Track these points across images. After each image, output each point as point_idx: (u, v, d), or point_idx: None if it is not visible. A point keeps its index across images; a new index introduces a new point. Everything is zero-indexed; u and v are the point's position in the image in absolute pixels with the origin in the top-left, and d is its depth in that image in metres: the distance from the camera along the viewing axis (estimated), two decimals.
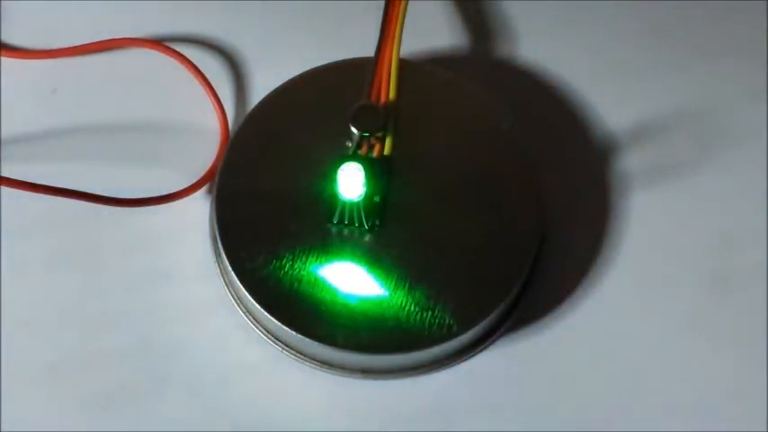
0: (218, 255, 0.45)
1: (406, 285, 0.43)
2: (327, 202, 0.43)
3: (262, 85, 0.49)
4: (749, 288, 0.46)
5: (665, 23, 0.51)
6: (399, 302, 0.43)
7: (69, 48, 0.49)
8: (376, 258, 0.43)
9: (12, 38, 0.50)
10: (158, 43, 0.49)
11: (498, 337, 0.44)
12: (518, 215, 0.44)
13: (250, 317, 0.44)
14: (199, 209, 0.46)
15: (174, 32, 0.50)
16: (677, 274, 0.46)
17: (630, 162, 0.48)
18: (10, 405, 0.43)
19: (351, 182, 0.41)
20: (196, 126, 0.48)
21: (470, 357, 0.44)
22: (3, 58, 0.49)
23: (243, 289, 0.43)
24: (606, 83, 0.49)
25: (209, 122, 0.48)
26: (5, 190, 0.45)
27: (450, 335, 0.42)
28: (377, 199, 0.43)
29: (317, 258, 0.43)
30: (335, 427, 0.43)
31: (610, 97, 0.49)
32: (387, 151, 0.43)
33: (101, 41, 0.49)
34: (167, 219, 0.46)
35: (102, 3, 0.51)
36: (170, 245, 0.46)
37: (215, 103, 0.48)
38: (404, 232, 0.44)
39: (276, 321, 0.42)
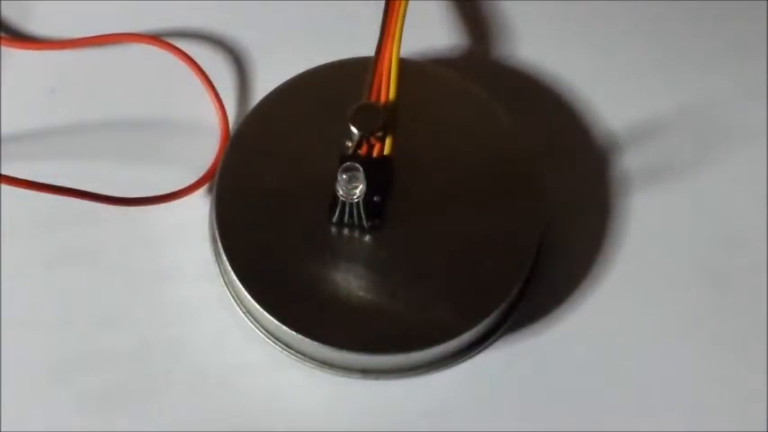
0: (217, 255, 0.45)
1: (406, 285, 0.43)
2: (327, 202, 0.43)
3: (263, 84, 0.49)
4: (749, 288, 0.46)
5: (665, 23, 0.51)
6: (399, 302, 0.43)
7: (68, 40, 0.50)
8: (376, 258, 0.43)
9: (11, 30, 0.50)
10: (158, 39, 0.49)
11: (498, 337, 0.44)
12: (518, 215, 0.44)
13: (250, 317, 0.44)
14: (199, 208, 0.46)
15: (175, 28, 0.50)
16: (677, 273, 0.46)
17: (630, 162, 0.48)
18: (10, 405, 0.43)
19: (351, 182, 0.41)
20: (196, 124, 0.48)
21: (471, 357, 0.44)
22: (2, 53, 0.49)
23: (243, 289, 0.43)
24: (606, 83, 0.49)
25: (209, 121, 0.48)
26: (5, 189, 0.45)
27: (450, 335, 0.42)
28: (377, 199, 0.43)
29: (316, 258, 0.43)
30: (335, 427, 0.43)
31: (610, 97, 0.49)
32: (387, 151, 0.43)
33: (99, 36, 0.49)
34: (167, 218, 0.46)
35: None
36: (170, 245, 0.46)
37: (215, 102, 0.48)
38: (404, 232, 0.44)
39: (276, 321, 0.42)
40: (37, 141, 0.48)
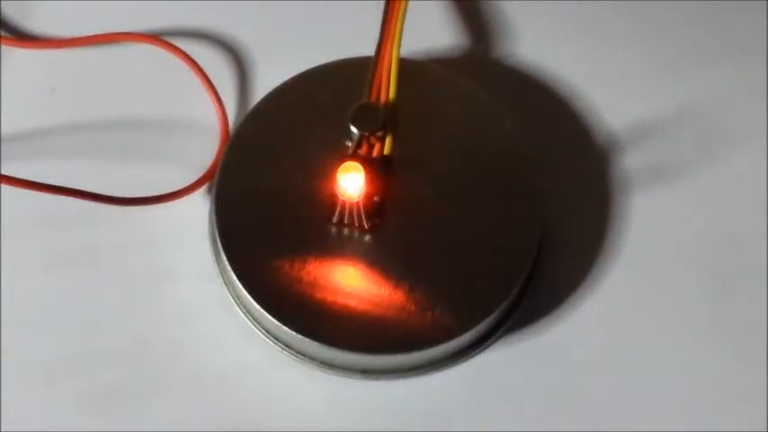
0: (217, 255, 0.45)
1: (406, 285, 0.43)
2: (327, 202, 0.43)
3: (263, 84, 0.49)
4: (749, 288, 0.46)
5: (665, 23, 0.51)
6: (399, 302, 0.43)
7: (68, 39, 0.50)
8: (376, 258, 0.43)
9: (11, 29, 0.50)
10: (158, 39, 0.49)
11: (498, 338, 0.44)
12: (518, 215, 0.44)
13: (250, 317, 0.44)
14: (198, 208, 0.46)
15: (175, 28, 0.50)
16: (677, 273, 0.46)
17: (631, 162, 0.48)
18: (10, 405, 0.43)
19: (351, 182, 0.41)
20: (196, 124, 0.48)
21: (470, 358, 0.44)
22: (2, 52, 0.49)
23: (243, 289, 0.43)
24: (606, 83, 0.49)
25: (209, 121, 0.48)
26: (5, 189, 0.45)
27: (450, 335, 0.42)
28: (377, 199, 0.43)
29: (316, 258, 0.43)
30: (335, 427, 0.43)
31: (610, 97, 0.49)
32: (387, 151, 0.43)
33: (100, 35, 0.49)
34: (167, 218, 0.46)
35: None
36: (170, 245, 0.46)
37: (215, 101, 0.48)
38: (404, 232, 0.44)
39: (276, 321, 0.42)
40: (37, 141, 0.48)
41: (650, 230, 0.46)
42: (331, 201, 0.43)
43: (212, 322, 0.45)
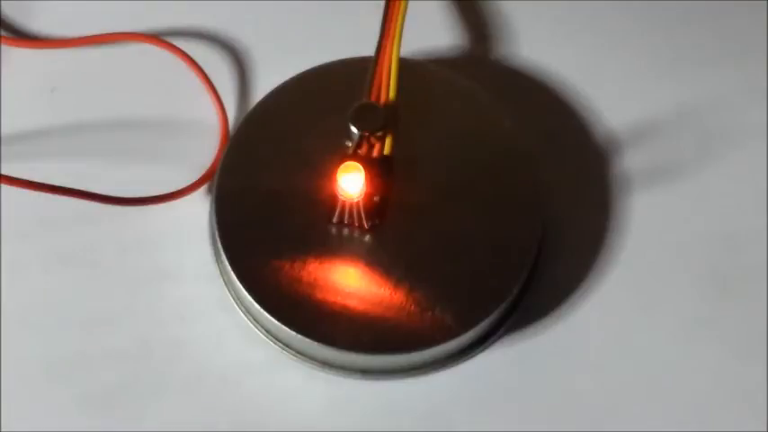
0: (217, 255, 0.45)
1: (406, 285, 0.43)
2: (327, 202, 0.43)
3: (263, 84, 0.49)
4: (749, 288, 0.46)
5: (665, 23, 0.51)
6: (399, 302, 0.43)
7: (69, 39, 0.50)
8: (376, 258, 0.43)
9: (11, 29, 0.51)
10: (158, 38, 0.49)
11: (498, 338, 0.44)
12: (518, 215, 0.44)
13: (250, 317, 0.44)
14: (199, 208, 0.46)
15: (175, 28, 0.50)
16: (678, 274, 0.46)
17: (631, 162, 0.48)
18: (10, 405, 0.43)
19: (351, 182, 0.41)
20: (196, 124, 0.48)
21: (470, 358, 0.44)
22: (2, 52, 0.49)
23: (243, 289, 0.43)
24: (606, 83, 0.49)
25: (209, 121, 0.48)
26: (5, 189, 0.45)
27: (450, 335, 0.42)
28: (377, 199, 0.43)
29: (316, 258, 0.43)
30: (335, 427, 0.43)
31: (610, 97, 0.49)
32: (387, 151, 0.43)
33: (100, 35, 0.49)
34: (167, 218, 0.46)
35: None
36: (170, 245, 0.46)
37: (215, 101, 0.48)
38: (404, 232, 0.44)
39: (276, 321, 0.42)
40: (37, 141, 0.48)
41: (650, 230, 0.46)
42: (331, 201, 0.43)
43: (212, 322, 0.45)
